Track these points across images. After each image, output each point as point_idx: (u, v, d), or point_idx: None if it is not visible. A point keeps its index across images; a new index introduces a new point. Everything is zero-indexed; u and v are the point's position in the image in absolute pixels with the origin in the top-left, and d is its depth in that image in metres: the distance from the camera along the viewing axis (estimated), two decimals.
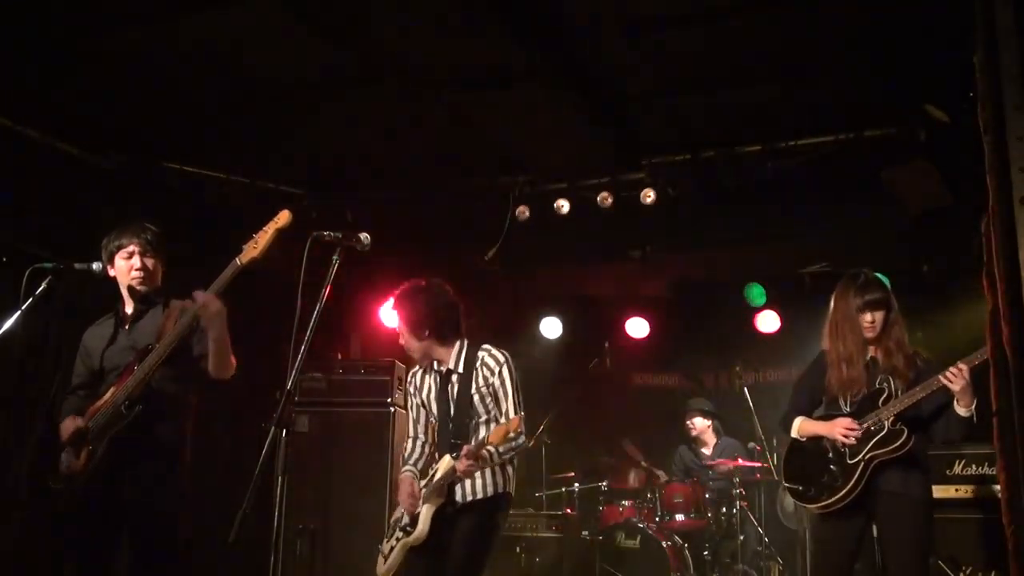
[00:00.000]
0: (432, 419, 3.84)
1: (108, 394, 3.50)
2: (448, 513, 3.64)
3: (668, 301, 7.91)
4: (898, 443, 3.68)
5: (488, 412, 3.70)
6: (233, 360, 3.58)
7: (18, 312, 3.50)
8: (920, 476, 3.74)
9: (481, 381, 3.71)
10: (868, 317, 3.82)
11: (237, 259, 3.37)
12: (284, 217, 3.31)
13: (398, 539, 3.71)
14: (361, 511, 5.52)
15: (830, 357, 3.92)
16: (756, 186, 5.96)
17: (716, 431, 6.85)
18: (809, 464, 3.90)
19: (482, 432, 3.66)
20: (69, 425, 3.53)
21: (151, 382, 3.47)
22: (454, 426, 3.69)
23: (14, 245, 4.79)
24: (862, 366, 3.84)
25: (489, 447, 3.50)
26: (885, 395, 3.76)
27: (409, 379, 3.95)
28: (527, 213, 6.51)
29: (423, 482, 3.72)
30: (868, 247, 6.37)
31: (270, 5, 4.42)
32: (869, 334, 3.83)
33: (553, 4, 4.52)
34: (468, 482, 3.62)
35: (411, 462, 3.85)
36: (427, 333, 3.74)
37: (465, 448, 3.50)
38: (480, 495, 3.64)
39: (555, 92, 5.24)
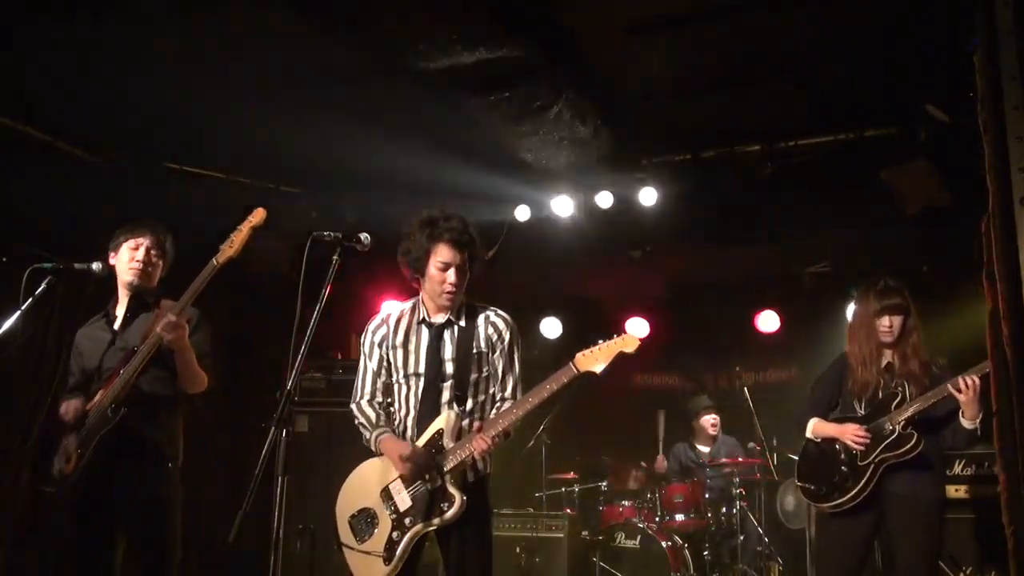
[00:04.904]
0: (403, 376, 3.42)
1: (97, 397, 3.52)
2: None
3: (668, 301, 7.90)
4: (907, 447, 3.76)
5: (483, 371, 3.42)
6: (203, 375, 3.59)
7: (18, 312, 3.50)
8: (930, 477, 3.82)
9: (483, 341, 3.44)
10: (885, 322, 3.90)
11: (214, 259, 3.44)
12: (259, 215, 3.39)
13: (403, 528, 3.29)
14: None
15: (849, 359, 4.02)
16: (756, 186, 5.97)
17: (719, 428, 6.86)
18: (821, 465, 3.98)
19: (492, 388, 3.41)
20: (76, 403, 3.53)
21: (140, 384, 3.48)
22: (455, 380, 3.36)
23: (14, 245, 4.79)
24: (875, 370, 3.93)
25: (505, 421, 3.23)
26: (898, 399, 3.84)
27: (373, 330, 3.49)
28: (527, 213, 6.51)
29: (420, 442, 3.30)
30: (868, 247, 6.38)
31: (271, 3, 4.42)
32: (886, 338, 3.92)
33: (553, 4, 4.52)
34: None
35: (382, 425, 3.39)
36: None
37: (481, 425, 3.25)
38: (483, 470, 3.35)
39: (556, 92, 5.24)
